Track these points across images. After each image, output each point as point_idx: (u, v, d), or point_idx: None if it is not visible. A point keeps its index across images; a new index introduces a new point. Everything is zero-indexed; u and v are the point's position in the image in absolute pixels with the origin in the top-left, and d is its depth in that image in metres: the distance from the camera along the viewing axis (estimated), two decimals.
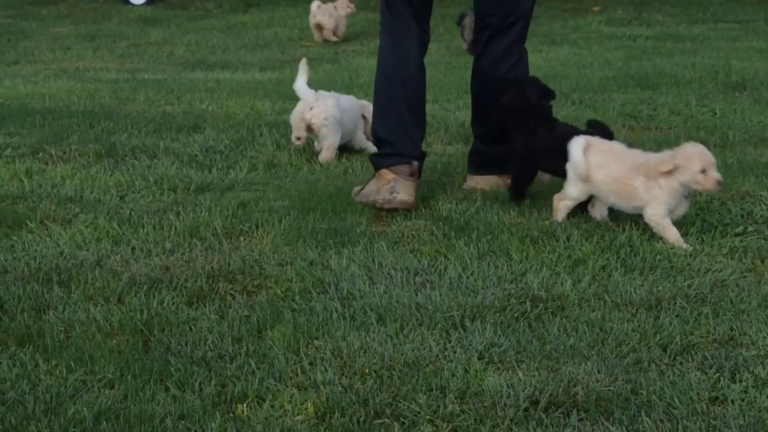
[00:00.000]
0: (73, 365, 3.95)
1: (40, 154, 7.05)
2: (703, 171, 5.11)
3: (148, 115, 8.43)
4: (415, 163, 5.81)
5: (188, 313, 4.44)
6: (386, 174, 5.77)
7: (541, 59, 12.09)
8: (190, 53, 13.92)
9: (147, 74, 11.65)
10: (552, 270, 4.82)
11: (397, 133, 5.85)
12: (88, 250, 5.17)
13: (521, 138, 5.81)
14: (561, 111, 8.28)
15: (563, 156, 5.52)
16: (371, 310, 4.39)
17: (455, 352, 4.02)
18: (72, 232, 5.41)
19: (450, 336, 4.17)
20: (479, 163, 6.22)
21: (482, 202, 5.79)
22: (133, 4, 18.62)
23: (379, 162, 5.89)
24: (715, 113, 8.20)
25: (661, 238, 5.18)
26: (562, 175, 5.60)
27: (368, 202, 5.77)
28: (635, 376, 3.82)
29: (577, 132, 5.73)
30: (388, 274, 4.80)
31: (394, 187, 5.71)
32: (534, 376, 3.83)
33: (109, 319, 4.38)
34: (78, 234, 5.38)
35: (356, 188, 5.99)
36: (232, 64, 12.66)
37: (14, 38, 15.40)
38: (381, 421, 3.56)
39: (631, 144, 6.38)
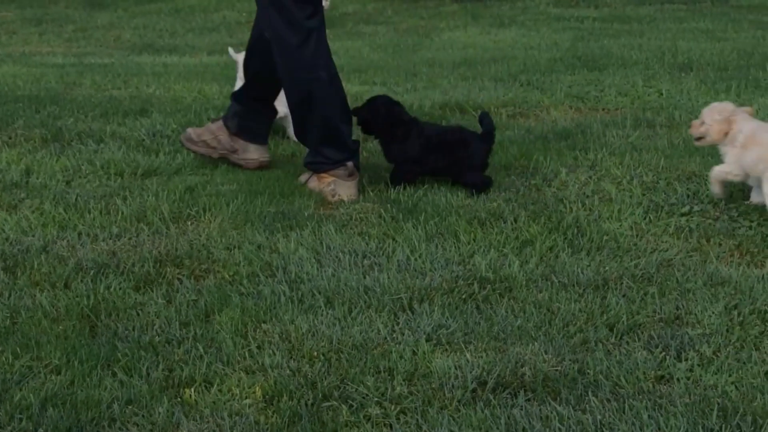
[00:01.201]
0: (19, 351, 3.92)
1: None
2: None
3: (95, 99, 8.37)
4: (350, 163, 5.75)
5: (135, 298, 4.42)
6: (325, 177, 5.75)
7: (489, 41, 12.11)
8: (137, 37, 13.84)
9: (94, 58, 11.58)
10: (500, 251, 4.83)
11: (325, 143, 5.76)
12: (34, 236, 5.13)
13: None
14: (509, 92, 8.32)
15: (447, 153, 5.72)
16: (319, 293, 4.39)
17: (403, 335, 4.03)
18: (17, 217, 5.36)
19: (398, 318, 4.17)
20: None
21: (430, 185, 5.80)
22: None
23: (315, 168, 5.83)
24: (662, 94, 8.25)
25: (608, 217, 5.21)
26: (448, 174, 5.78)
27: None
28: (582, 356, 3.83)
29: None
30: (336, 257, 4.79)
31: (334, 189, 5.70)
32: (482, 357, 3.84)
33: (56, 304, 4.34)
34: (24, 219, 5.33)
35: (302, 177, 5.94)
36: (180, 48, 12.61)
37: None
38: (329, 403, 3.56)
39: (579, 124, 6.42)
